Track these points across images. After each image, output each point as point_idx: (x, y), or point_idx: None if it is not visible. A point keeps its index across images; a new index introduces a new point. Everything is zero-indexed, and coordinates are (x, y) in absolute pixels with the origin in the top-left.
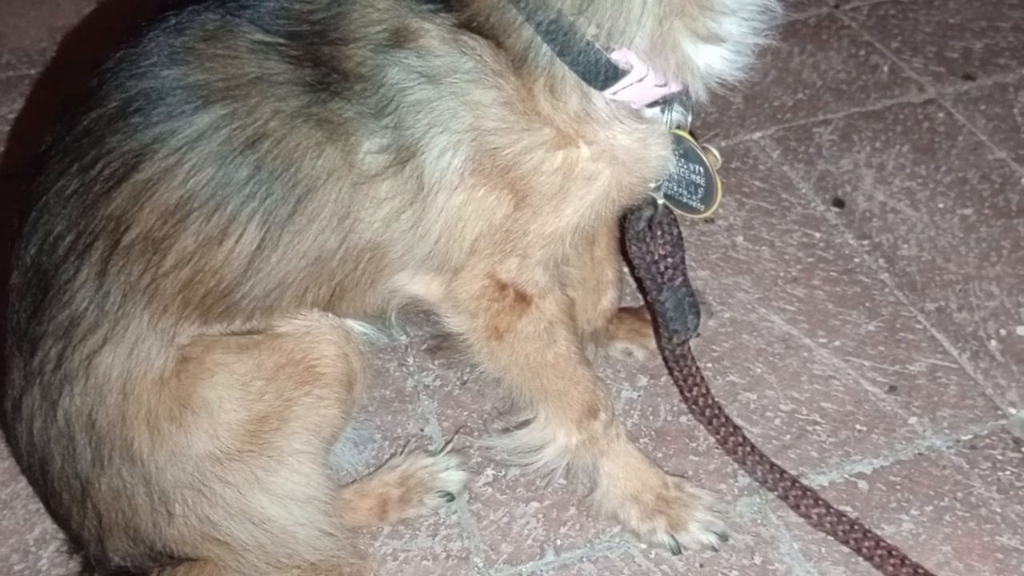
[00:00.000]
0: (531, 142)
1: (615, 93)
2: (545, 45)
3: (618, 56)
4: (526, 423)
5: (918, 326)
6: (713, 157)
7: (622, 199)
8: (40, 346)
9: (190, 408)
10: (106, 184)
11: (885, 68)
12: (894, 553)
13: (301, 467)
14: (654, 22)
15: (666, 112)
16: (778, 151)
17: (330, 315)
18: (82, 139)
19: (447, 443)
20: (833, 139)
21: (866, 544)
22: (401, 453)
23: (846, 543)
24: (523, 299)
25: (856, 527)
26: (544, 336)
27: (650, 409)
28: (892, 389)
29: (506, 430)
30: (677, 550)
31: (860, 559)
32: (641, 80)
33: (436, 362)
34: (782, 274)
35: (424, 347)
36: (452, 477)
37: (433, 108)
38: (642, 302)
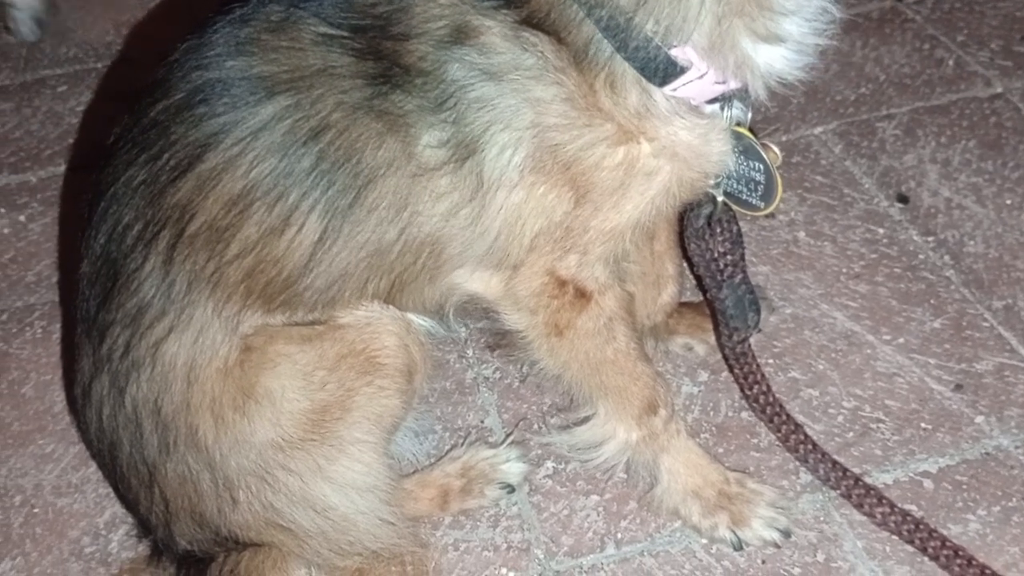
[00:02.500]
0: (593, 138)
1: (674, 90)
2: (605, 41)
3: (677, 53)
4: (586, 419)
5: (985, 324)
6: (773, 154)
7: (682, 195)
8: (109, 334)
9: (253, 397)
10: (172, 174)
11: (950, 62)
12: (960, 553)
13: (362, 456)
14: (712, 21)
15: (726, 109)
16: (840, 146)
17: (391, 307)
18: (149, 130)
19: (508, 435)
20: (897, 134)
21: (932, 544)
22: (462, 444)
23: (911, 542)
24: (583, 295)
25: (921, 526)
26: (604, 332)
27: (711, 404)
28: (958, 387)
29: (565, 426)
30: (739, 546)
31: (925, 559)
32: (700, 77)
33: (496, 354)
34: (844, 270)
35: (489, 338)
36: (513, 469)
37: (494, 105)
38: (702, 297)
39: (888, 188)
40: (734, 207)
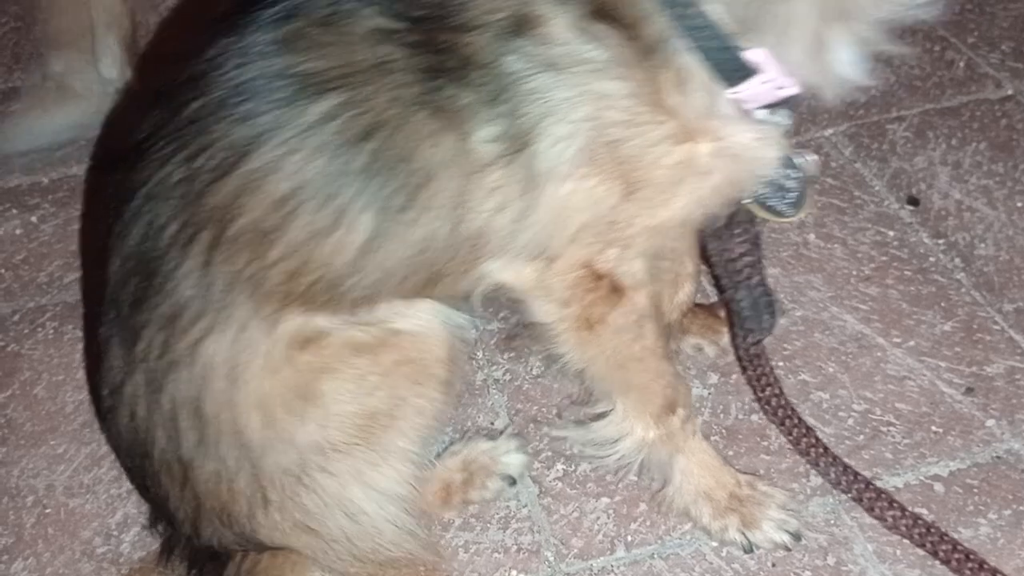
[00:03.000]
0: (654, 135)
1: (737, 92)
2: (678, 38)
3: (751, 55)
4: (602, 415)
5: (996, 327)
6: (810, 163)
7: (731, 196)
8: (143, 334)
9: (308, 400)
10: (212, 174)
11: (961, 64)
12: (972, 557)
13: (402, 466)
14: (815, 24)
15: (774, 114)
16: (850, 148)
17: (438, 312)
18: (186, 128)
19: (511, 429)
20: (907, 136)
21: (943, 547)
22: (461, 439)
23: (922, 546)
24: (617, 290)
25: (933, 530)
26: (634, 329)
27: (721, 407)
28: (969, 391)
29: (581, 422)
30: (749, 549)
31: (937, 562)
32: (766, 82)
33: (506, 356)
34: (855, 272)
35: (501, 338)
36: (513, 460)
37: (550, 97)
38: (714, 299)
39: (898, 190)
40: (760, 213)
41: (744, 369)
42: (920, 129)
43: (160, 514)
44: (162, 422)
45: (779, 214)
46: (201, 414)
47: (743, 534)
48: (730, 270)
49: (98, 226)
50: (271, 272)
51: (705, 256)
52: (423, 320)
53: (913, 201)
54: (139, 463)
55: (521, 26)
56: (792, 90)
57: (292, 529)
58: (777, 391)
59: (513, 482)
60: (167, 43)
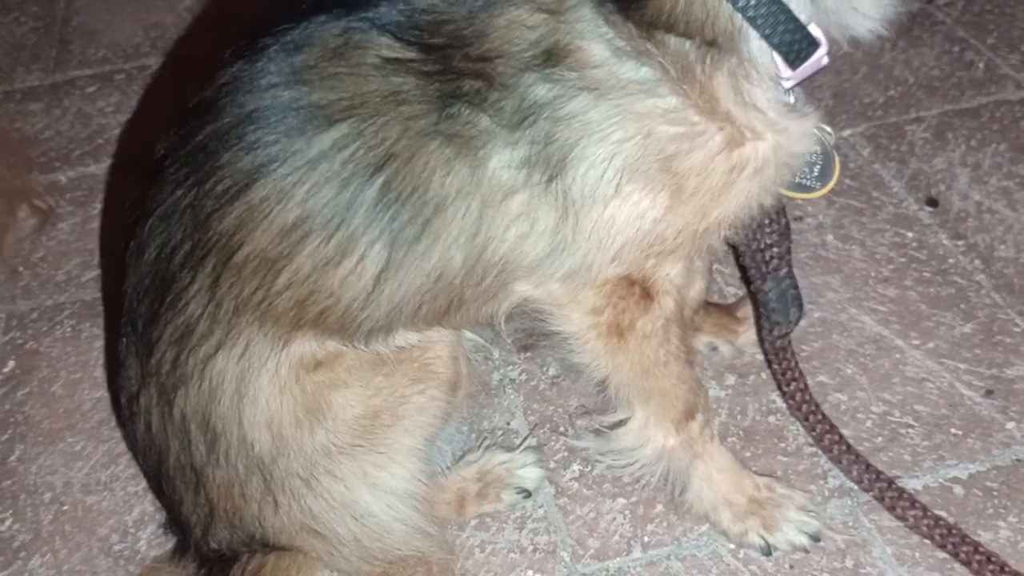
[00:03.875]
0: (713, 144)
1: (797, 73)
2: (745, 26)
3: (813, 28)
4: (620, 423)
5: (1016, 329)
6: (827, 134)
7: (780, 186)
8: (156, 349)
9: (318, 414)
10: (219, 201)
11: (980, 65)
12: (993, 560)
13: (408, 464)
14: None
15: (791, 93)
16: (869, 149)
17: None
18: (197, 153)
19: (530, 437)
20: (926, 137)
21: (964, 549)
22: (478, 448)
23: (943, 547)
24: (647, 296)
25: (954, 531)
26: (661, 334)
27: (738, 408)
28: (989, 393)
29: (599, 431)
30: (768, 551)
31: (956, 565)
32: (821, 57)
33: (522, 356)
34: (873, 274)
35: (516, 343)
36: (529, 474)
37: (589, 119)
38: (728, 301)
39: (917, 191)
40: (790, 194)
41: (769, 363)
42: (939, 130)
43: (173, 517)
44: (174, 433)
45: (808, 190)
46: (210, 427)
47: (762, 537)
48: (758, 260)
49: (118, 226)
50: (279, 300)
51: (733, 247)
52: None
53: (932, 202)
54: (155, 468)
55: (551, 55)
56: (827, 60)
57: (299, 532)
58: (802, 386)
59: (528, 495)
60: (200, 44)
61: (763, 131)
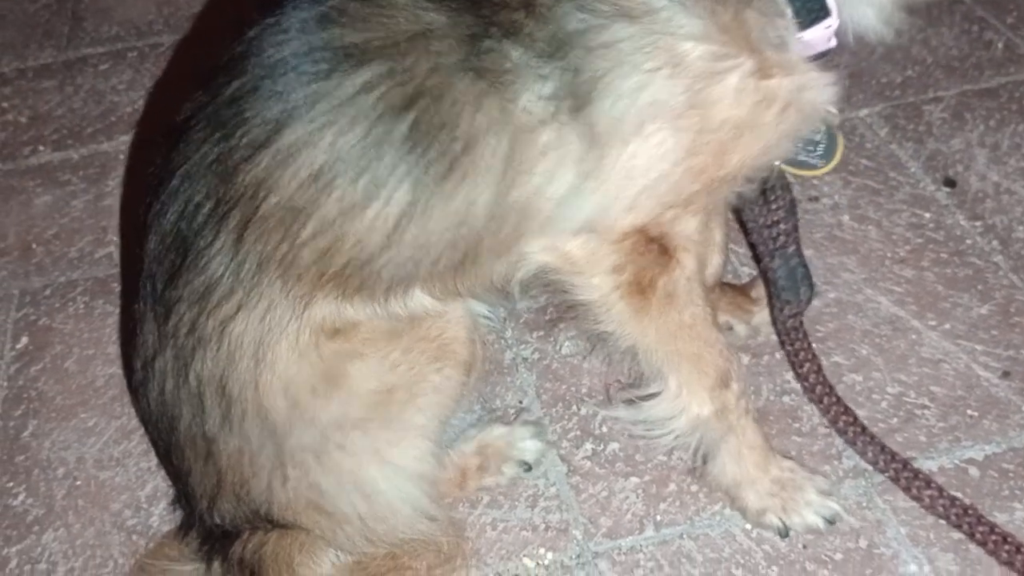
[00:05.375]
0: (743, 70)
1: (806, 35)
2: None
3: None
4: (654, 395)
5: None
6: (832, 113)
7: (796, 139)
8: (175, 310)
9: (334, 382)
10: (247, 151)
11: (1000, 44)
12: (1010, 540)
13: (420, 443)
14: None
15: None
16: (886, 129)
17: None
18: (225, 109)
19: (539, 409)
20: (944, 117)
21: (980, 529)
22: (476, 423)
23: (958, 527)
24: (666, 253)
25: (970, 512)
26: (684, 295)
27: (752, 388)
28: (1006, 375)
29: (631, 401)
30: (785, 533)
31: (971, 546)
32: (828, 27)
33: (535, 335)
34: (889, 255)
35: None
36: (529, 446)
37: (622, 48)
38: (743, 280)
39: (935, 172)
40: (793, 171)
41: (783, 344)
42: (957, 110)
43: (180, 489)
44: (188, 398)
45: (811, 167)
46: (226, 393)
47: (780, 519)
48: (765, 237)
49: (135, 203)
50: (303, 251)
51: (741, 223)
52: (443, 305)
53: (950, 183)
54: (165, 437)
55: None
56: (835, 41)
57: (305, 508)
58: (816, 367)
59: (529, 468)
60: (213, 22)
61: (791, 68)
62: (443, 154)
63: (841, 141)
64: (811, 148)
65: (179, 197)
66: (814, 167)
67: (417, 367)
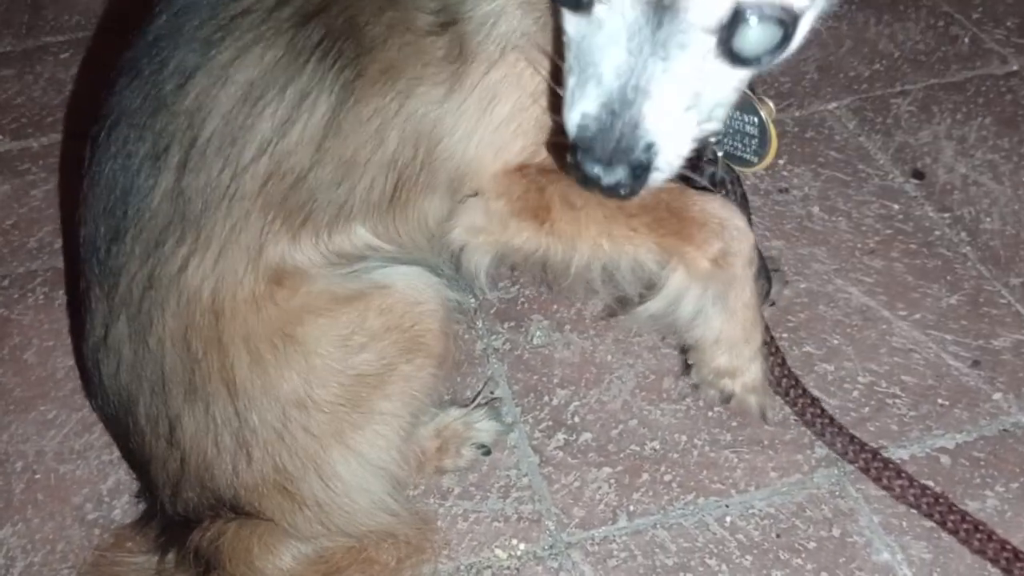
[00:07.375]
0: None
1: None
2: None
3: None
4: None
5: (1002, 301)
6: (768, 108)
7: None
8: (125, 272)
9: (291, 340)
10: (179, 79)
11: (966, 39)
12: (981, 528)
13: (387, 432)
14: None
15: None
16: (854, 122)
17: (429, 281)
18: (151, 48)
19: (514, 406)
20: (912, 110)
21: (951, 518)
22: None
23: (930, 516)
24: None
25: (941, 500)
26: (574, 192)
27: None
28: (975, 364)
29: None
30: (727, 400)
31: (943, 534)
32: None
33: (505, 326)
34: (859, 245)
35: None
36: (485, 427)
37: None
38: None
39: (903, 164)
40: (732, 164)
41: None
42: (925, 103)
43: (140, 477)
44: (150, 368)
45: (747, 163)
46: (191, 352)
47: (733, 390)
48: None
49: (75, 192)
50: (246, 178)
51: None
52: (414, 288)
53: (918, 175)
54: (124, 421)
55: None
56: None
57: (271, 490)
58: (780, 361)
59: (488, 451)
60: None
61: None
62: (353, 60)
63: (775, 135)
64: (746, 142)
65: (112, 145)
66: (750, 163)
67: (389, 356)
